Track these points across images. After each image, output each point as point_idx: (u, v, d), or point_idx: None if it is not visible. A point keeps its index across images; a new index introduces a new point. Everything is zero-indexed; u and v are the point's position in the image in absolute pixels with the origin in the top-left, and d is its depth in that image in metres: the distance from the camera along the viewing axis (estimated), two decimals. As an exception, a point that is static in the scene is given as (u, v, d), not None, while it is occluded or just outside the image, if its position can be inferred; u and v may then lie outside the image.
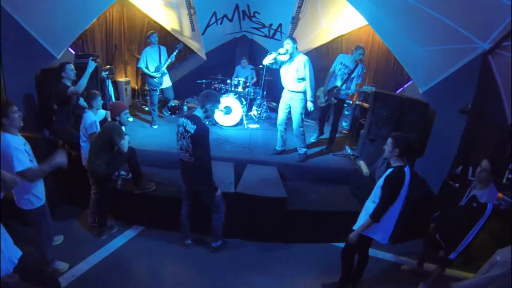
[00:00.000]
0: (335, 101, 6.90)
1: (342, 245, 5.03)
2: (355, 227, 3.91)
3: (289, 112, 6.39)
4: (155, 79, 7.51)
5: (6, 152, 3.47)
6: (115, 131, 4.70)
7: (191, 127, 4.15)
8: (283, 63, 6.14)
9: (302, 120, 6.33)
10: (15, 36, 5.73)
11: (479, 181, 3.80)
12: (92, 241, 4.92)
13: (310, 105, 6.21)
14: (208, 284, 4.41)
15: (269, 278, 4.56)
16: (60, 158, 3.67)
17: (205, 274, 4.55)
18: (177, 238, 5.10)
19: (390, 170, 3.72)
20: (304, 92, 6.13)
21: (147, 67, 7.53)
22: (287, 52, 5.94)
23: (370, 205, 3.81)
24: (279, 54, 6.01)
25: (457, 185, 4.68)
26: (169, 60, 7.62)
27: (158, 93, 7.68)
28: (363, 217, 3.87)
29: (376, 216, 3.68)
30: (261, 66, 8.54)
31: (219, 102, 4.39)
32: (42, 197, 3.92)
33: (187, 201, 4.81)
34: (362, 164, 6.15)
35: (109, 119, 5.04)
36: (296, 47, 6.00)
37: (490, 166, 3.69)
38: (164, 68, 7.59)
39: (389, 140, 3.69)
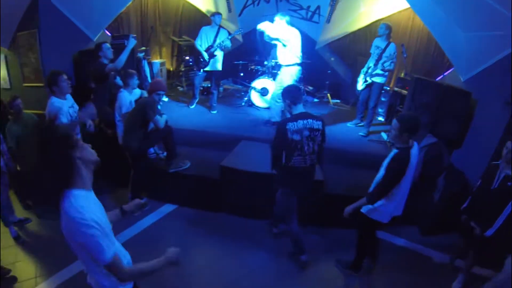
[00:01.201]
0: (370, 81, 6.83)
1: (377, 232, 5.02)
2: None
3: None
4: (201, 60, 7.40)
5: (51, 110, 4.29)
6: (148, 106, 4.78)
7: (318, 124, 3.92)
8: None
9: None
10: (53, 19, 5.87)
11: (507, 163, 3.64)
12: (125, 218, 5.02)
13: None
14: (236, 264, 4.45)
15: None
16: None
17: (234, 254, 4.60)
18: (209, 217, 5.23)
19: (394, 152, 3.59)
20: (290, 66, 6.41)
21: (201, 46, 7.37)
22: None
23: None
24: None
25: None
26: (222, 43, 7.29)
27: (200, 73, 7.57)
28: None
29: (371, 198, 3.63)
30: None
31: None
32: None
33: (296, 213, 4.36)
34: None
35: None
36: (288, 21, 6.26)
37: None
38: (214, 50, 7.33)
39: (396, 124, 3.51)
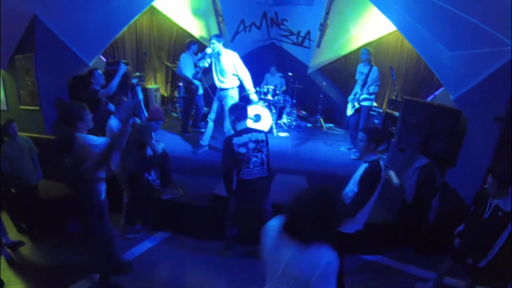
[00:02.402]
0: (358, 106, 7.02)
1: (370, 257, 4.92)
2: None
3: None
4: (193, 86, 7.54)
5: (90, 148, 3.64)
6: (145, 130, 4.80)
7: (262, 135, 4.23)
8: (212, 62, 6.38)
9: None
10: (49, 43, 5.97)
11: (493, 194, 3.66)
12: (119, 245, 4.94)
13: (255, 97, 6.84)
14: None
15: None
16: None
17: (228, 284, 4.51)
18: (202, 246, 5.10)
19: (366, 165, 3.62)
20: (233, 89, 6.41)
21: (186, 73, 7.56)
22: (215, 52, 6.18)
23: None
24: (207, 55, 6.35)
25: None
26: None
27: (194, 101, 7.74)
28: None
29: (352, 212, 3.59)
30: (290, 74, 8.58)
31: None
32: (103, 193, 4.03)
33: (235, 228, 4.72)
34: (392, 174, 5.99)
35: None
36: (223, 44, 6.22)
37: (493, 180, 3.56)
38: (200, 76, 7.52)
39: (362, 136, 3.61)
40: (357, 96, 6.98)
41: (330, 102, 9.76)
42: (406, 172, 5.67)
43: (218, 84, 6.42)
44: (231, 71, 6.27)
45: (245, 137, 4.13)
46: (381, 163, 3.62)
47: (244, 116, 4.29)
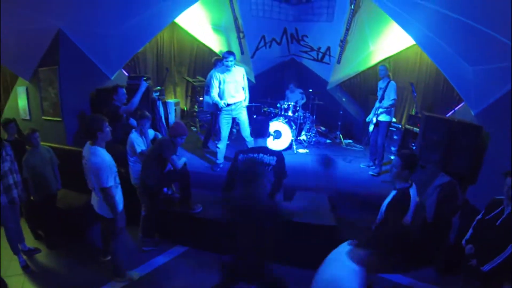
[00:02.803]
0: (375, 120, 6.94)
1: (390, 276, 4.81)
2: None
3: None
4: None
5: (100, 166, 3.76)
6: (165, 145, 4.83)
7: (270, 159, 3.82)
8: (220, 81, 6.35)
9: None
10: (73, 57, 6.15)
11: (509, 199, 3.49)
12: (135, 256, 5.00)
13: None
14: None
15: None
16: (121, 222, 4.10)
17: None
18: (219, 261, 5.07)
19: (394, 193, 3.48)
20: (243, 101, 6.59)
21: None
22: (231, 68, 6.24)
23: None
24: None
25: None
26: None
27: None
28: None
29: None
30: (310, 90, 8.59)
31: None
32: (121, 204, 4.13)
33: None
34: (412, 192, 5.88)
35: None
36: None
37: None
38: None
39: (397, 161, 3.42)
40: (374, 111, 6.93)
41: (349, 118, 9.66)
42: (427, 190, 5.56)
43: (230, 100, 6.36)
44: (241, 84, 6.43)
45: (249, 156, 3.85)
46: (412, 192, 3.42)
47: (262, 134, 4.03)
